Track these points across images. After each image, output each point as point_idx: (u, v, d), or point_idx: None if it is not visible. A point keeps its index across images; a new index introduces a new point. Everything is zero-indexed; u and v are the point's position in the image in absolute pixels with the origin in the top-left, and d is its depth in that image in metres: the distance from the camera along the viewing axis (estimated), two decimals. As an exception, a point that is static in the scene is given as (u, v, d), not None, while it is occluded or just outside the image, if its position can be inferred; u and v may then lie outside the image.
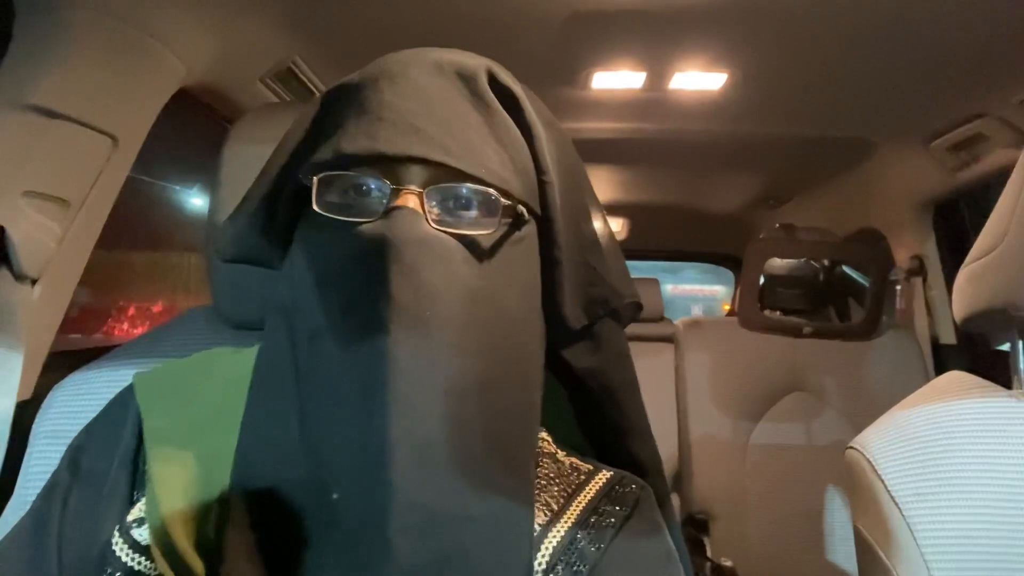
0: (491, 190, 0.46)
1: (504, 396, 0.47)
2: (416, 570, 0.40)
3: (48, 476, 0.53)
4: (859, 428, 0.68)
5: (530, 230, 0.51)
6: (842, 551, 1.59)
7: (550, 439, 0.56)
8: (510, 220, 0.49)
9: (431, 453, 0.42)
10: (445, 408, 0.43)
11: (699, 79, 1.38)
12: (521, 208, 0.49)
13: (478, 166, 0.46)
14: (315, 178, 0.47)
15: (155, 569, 0.45)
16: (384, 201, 0.45)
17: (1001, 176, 0.73)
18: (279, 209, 0.53)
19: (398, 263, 0.42)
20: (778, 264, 1.91)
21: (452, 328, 0.44)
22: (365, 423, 0.41)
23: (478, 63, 0.50)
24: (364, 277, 0.43)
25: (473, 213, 0.47)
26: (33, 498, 0.52)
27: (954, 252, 1.80)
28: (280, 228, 0.53)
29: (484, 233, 0.47)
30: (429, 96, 0.47)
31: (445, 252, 0.45)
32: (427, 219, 0.45)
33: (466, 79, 0.48)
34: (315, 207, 0.46)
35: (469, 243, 0.46)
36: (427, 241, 0.44)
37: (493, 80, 0.50)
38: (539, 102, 0.54)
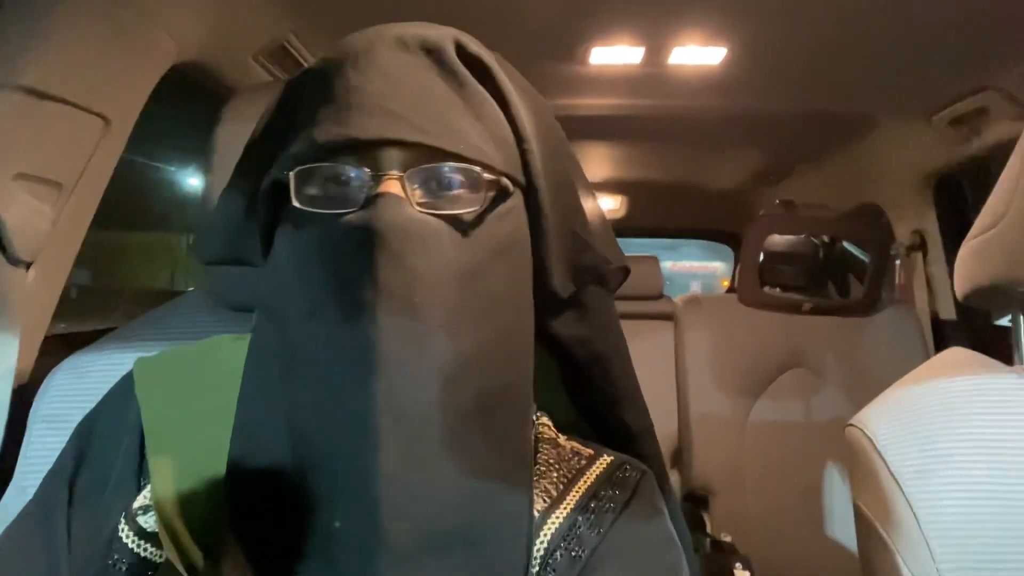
0: (473, 167, 0.45)
1: (497, 373, 0.46)
2: (412, 556, 0.40)
3: (47, 460, 0.53)
4: (858, 405, 0.68)
5: (516, 202, 0.49)
6: (840, 527, 1.61)
7: (550, 423, 0.55)
8: (494, 194, 0.47)
9: (424, 436, 0.41)
10: (439, 391, 0.42)
11: (698, 54, 1.37)
12: (505, 181, 0.48)
13: (456, 142, 0.45)
14: (291, 173, 0.45)
15: (160, 556, 0.45)
16: (365, 189, 0.44)
17: (1003, 150, 0.72)
18: (258, 206, 0.51)
19: (385, 251, 0.41)
20: (778, 240, 1.90)
21: (443, 311, 0.43)
22: (358, 411, 0.40)
23: (444, 34, 0.48)
24: (351, 267, 0.42)
25: (457, 192, 0.45)
26: (33, 483, 0.52)
27: (955, 227, 1.79)
28: (261, 224, 0.51)
29: (469, 211, 0.45)
30: (397, 75, 0.45)
31: (432, 235, 0.43)
32: (411, 203, 0.44)
33: (432, 53, 0.47)
34: (295, 203, 0.45)
35: (455, 223, 0.45)
36: (413, 226, 0.43)
37: (461, 51, 0.48)
38: (512, 69, 0.52)
